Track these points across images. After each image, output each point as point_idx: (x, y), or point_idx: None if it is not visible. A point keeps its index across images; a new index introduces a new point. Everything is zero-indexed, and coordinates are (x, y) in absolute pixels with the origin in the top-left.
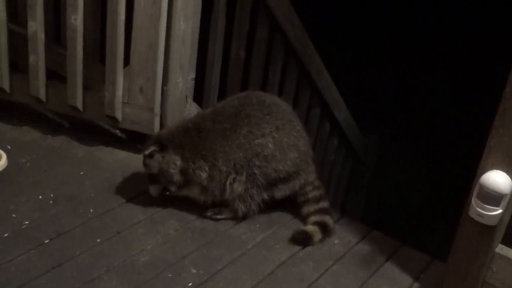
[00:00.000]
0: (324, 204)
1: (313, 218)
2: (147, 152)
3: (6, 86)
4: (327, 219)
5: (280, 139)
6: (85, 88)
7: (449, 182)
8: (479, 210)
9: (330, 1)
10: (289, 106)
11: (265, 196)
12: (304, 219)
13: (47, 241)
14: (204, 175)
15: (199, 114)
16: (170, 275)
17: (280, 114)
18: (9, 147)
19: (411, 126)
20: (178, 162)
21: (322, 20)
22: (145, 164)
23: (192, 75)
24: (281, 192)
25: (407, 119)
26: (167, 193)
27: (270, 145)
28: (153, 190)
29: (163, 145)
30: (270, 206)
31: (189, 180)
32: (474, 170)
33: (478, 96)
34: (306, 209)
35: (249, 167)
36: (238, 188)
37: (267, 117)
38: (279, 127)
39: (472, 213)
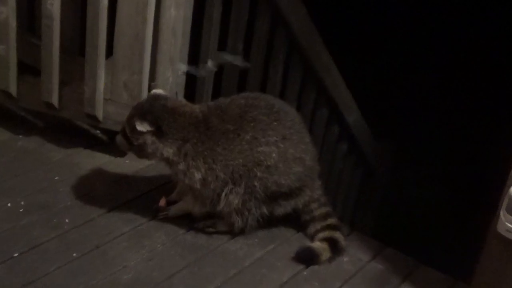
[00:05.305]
0: (332, 220)
1: (322, 235)
2: (140, 129)
3: None
4: (338, 235)
5: (286, 150)
6: (62, 83)
7: (471, 194)
8: (508, 225)
9: None
10: (299, 115)
11: (265, 210)
12: (311, 239)
13: (16, 255)
14: (198, 176)
15: (204, 106)
16: None
17: (288, 122)
18: None
19: (429, 131)
20: (170, 153)
21: (332, 10)
22: (131, 137)
23: (183, 69)
24: (281, 209)
25: (425, 122)
26: (160, 214)
27: (274, 155)
28: (121, 143)
29: (162, 131)
30: (270, 219)
31: (176, 171)
32: (498, 182)
33: (502, 103)
34: (313, 228)
35: (249, 178)
36: (235, 200)
37: (275, 123)
38: (286, 137)
39: (500, 229)
